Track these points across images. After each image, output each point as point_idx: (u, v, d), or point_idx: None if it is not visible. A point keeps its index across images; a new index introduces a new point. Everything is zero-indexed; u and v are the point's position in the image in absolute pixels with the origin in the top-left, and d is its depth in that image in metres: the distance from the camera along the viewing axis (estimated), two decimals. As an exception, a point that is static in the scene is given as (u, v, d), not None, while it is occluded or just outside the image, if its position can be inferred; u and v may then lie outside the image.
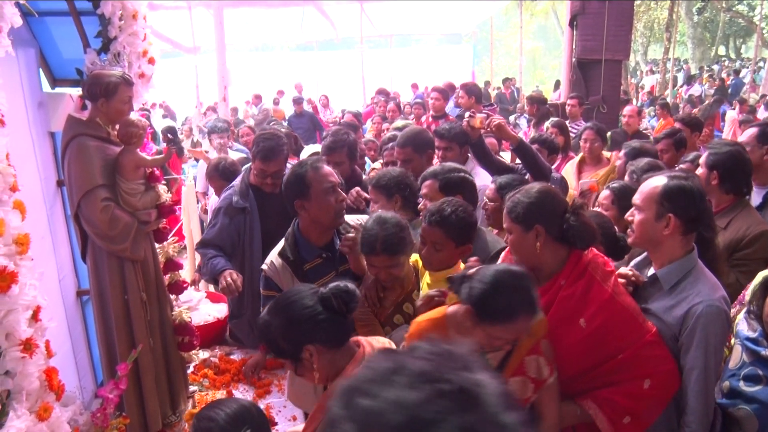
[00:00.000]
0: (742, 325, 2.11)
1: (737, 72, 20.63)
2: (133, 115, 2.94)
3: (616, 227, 2.72)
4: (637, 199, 2.14)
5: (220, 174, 4.38)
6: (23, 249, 1.96)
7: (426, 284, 2.39)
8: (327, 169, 2.59)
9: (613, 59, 8.13)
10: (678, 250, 2.07)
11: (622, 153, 4.10)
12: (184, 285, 3.43)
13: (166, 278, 3.26)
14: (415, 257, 2.51)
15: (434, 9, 15.41)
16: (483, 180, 3.48)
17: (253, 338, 3.90)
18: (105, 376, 3.02)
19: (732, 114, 11.25)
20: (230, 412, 1.78)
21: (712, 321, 1.93)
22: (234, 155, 6.06)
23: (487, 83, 17.79)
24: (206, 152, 6.27)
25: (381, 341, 1.81)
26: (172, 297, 3.30)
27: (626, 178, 3.47)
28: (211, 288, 4.93)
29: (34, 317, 2.02)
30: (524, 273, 1.79)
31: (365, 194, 3.35)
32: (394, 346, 1.83)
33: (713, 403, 2.02)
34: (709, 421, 2.00)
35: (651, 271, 2.17)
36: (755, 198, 3.27)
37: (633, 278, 2.18)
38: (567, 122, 6.31)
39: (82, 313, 3.26)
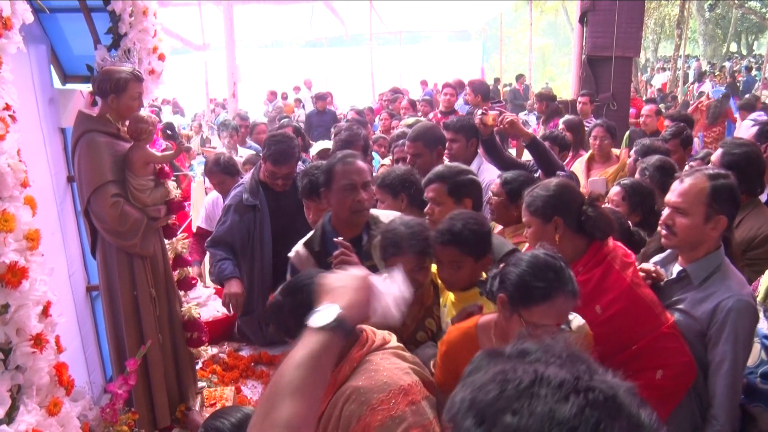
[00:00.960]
0: (762, 323, 2.11)
1: (749, 69, 20.45)
2: (143, 112, 2.95)
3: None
4: (678, 201, 2.07)
5: (222, 169, 4.37)
6: (34, 244, 1.96)
7: (450, 302, 2.30)
8: (356, 166, 2.56)
9: (623, 56, 8.06)
10: (712, 247, 2.08)
11: (632, 151, 4.08)
12: (193, 281, 3.44)
13: (175, 274, 3.27)
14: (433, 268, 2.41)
15: (444, 6, 15.35)
16: (492, 175, 3.48)
17: (262, 335, 3.90)
18: (114, 372, 3.04)
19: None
20: (235, 422, 1.79)
21: (742, 315, 1.94)
22: (245, 152, 6.08)
23: (497, 80, 17.71)
24: (214, 148, 6.28)
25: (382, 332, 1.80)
26: (181, 293, 3.31)
27: (637, 175, 3.46)
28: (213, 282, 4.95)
29: (45, 312, 2.02)
30: (557, 254, 1.77)
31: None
32: (394, 338, 1.81)
33: (740, 397, 2.02)
34: (736, 414, 2.00)
35: (677, 268, 2.17)
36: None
37: (654, 274, 2.19)
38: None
39: (91, 308, 3.28)
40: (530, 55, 20.00)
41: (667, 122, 5.50)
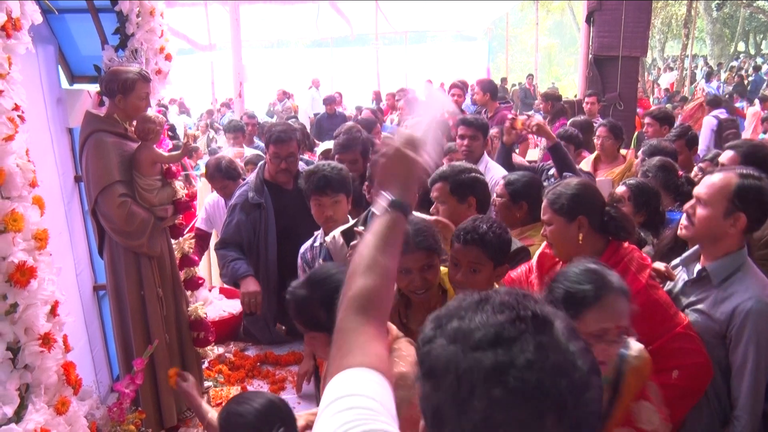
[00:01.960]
0: None
1: (757, 68, 20.34)
2: (150, 112, 2.96)
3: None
4: (702, 193, 2.07)
5: (223, 174, 4.35)
6: (42, 244, 1.97)
7: None
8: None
9: (630, 56, 8.04)
10: (732, 247, 2.06)
11: (640, 152, 4.07)
12: (200, 281, 3.45)
13: (182, 274, 3.28)
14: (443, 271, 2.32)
15: (449, 5, 15.32)
16: (498, 174, 3.49)
17: (269, 334, 3.90)
18: (121, 371, 3.05)
19: (753, 109, 11.11)
20: (260, 408, 1.78)
21: (762, 317, 1.93)
22: (250, 152, 6.08)
23: (503, 80, 17.69)
24: (220, 148, 6.28)
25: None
26: (188, 293, 3.32)
27: (639, 175, 3.45)
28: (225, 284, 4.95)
29: (53, 312, 2.03)
30: (595, 260, 1.75)
31: None
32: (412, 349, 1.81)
33: (763, 399, 2.01)
34: (759, 416, 1.99)
35: (698, 266, 2.16)
36: None
37: (665, 273, 2.19)
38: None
39: (98, 308, 3.29)
40: (536, 55, 19.99)
41: (647, 120, 5.46)
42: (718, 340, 2.01)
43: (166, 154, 3.02)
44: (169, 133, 7.28)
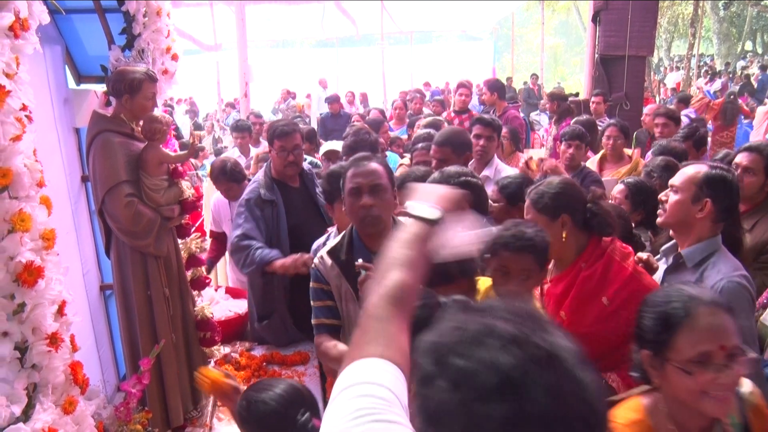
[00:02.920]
0: None
1: (764, 68, 20.23)
2: (157, 111, 2.96)
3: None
4: (675, 180, 2.22)
5: (228, 176, 4.33)
6: (49, 244, 1.98)
7: None
8: (361, 169, 2.32)
9: (636, 55, 8.02)
10: (705, 234, 2.16)
11: (650, 152, 4.07)
12: (207, 281, 3.45)
13: (189, 274, 3.28)
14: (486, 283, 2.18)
15: (455, 5, 15.33)
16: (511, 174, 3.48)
17: (287, 336, 3.82)
18: (128, 371, 3.05)
19: (763, 109, 11.04)
20: (283, 394, 1.74)
21: (734, 294, 1.98)
22: (255, 151, 6.08)
23: (509, 79, 17.66)
24: (225, 148, 6.29)
25: None
26: (195, 292, 3.32)
27: (642, 175, 3.45)
28: (230, 283, 4.95)
29: (60, 312, 2.04)
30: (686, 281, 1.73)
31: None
32: None
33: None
34: None
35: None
36: None
37: (648, 262, 2.29)
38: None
39: (105, 307, 3.30)
40: (542, 55, 19.91)
41: (659, 119, 5.42)
42: None
43: (172, 154, 3.02)
44: (173, 132, 7.29)
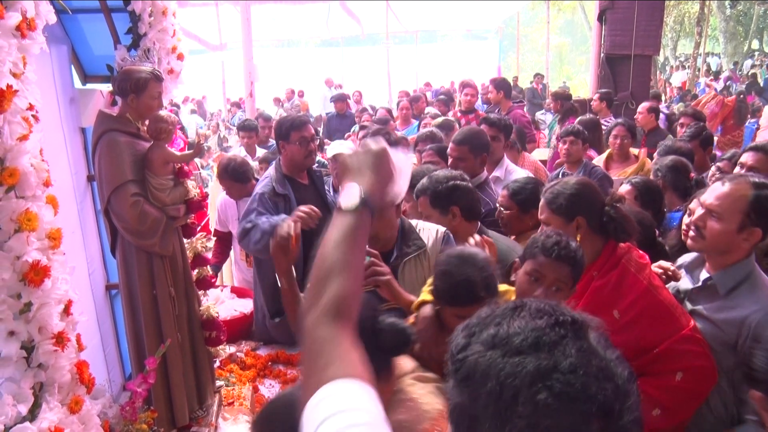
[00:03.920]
0: None
1: (771, 67, 20.15)
2: (163, 111, 2.96)
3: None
4: (714, 203, 1.94)
5: (230, 174, 4.32)
6: (56, 243, 1.98)
7: None
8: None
9: (642, 54, 7.99)
10: (741, 256, 1.96)
11: (656, 153, 4.04)
12: (212, 280, 3.45)
13: (194, 273, 3.28)
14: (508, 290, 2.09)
15: (460, 5, 15.30)
16: (520, 176, 3.45)
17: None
18: (133, 370, 3.06)
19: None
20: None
21: None
22: (261, 151, 6.07)
23: (515, 79, 17.62)
24: (230, 147, 6.29)
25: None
26: (200, 292, 3.32)
27: (651, 176, 3.42)
28: (236, 282, 4.95)
29: (66, 311, 2.04)
30: None
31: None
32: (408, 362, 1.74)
33: None
34: None
35: (704, 274, 2.06)
36: None
37: (670, 272, 2.13)
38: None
39: (110, 307, 3.31)
40: (547, 54, 19.86)
41: (682, 119, 5.41)
42: (726, 348, 1.94)
43: (178, 153, 3.02)
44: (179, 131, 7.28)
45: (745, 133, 9.78)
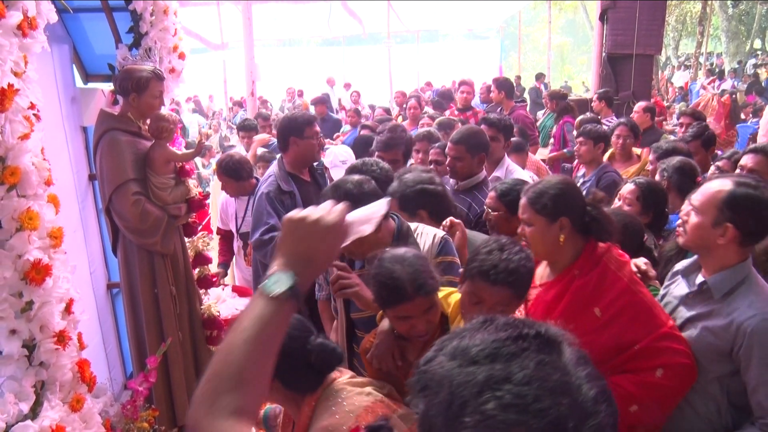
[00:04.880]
0: None
1: (772, 66, 20.11)
2: (164, 110, 2.97)
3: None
4: (696, 199, 1.98)
5: (226, 171, 4.30)
6: (57, 242, 1.98)
7: None
8: None
9: (644, 54, 7.98)
10: (731, 259, 1.94)
11: (651, 156, 4.01)
12: (213, 279, 3.46)
13: (195, 272, 3.29)
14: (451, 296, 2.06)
15: (462, 4, 15.30)
16: (520, 176, 3.43)
17: None
18: (135, 369, 3.06)
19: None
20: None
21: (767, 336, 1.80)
22: (261, 150, 6.07)
23: (518, 78, 17.60)
24: (233, 146, 6.28)
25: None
26: (201, 291, 3.33)
27: (657, 176, 3.38)
28: (237, 281, 4.94)
29: (67, 310, 2.04)
30: None
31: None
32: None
33: None
34: None
35: (699, 278, 2.05)
36: None
37: (645, 268, 2.14)
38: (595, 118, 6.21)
39: (112, 305, 3.31)
40: (549, 53, 19.84)
41: (683, 119, 5.40)
42: (721, 355, 1.93)
43: (179, 152, 3.03)
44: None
45: (738, 133, 9.77)
